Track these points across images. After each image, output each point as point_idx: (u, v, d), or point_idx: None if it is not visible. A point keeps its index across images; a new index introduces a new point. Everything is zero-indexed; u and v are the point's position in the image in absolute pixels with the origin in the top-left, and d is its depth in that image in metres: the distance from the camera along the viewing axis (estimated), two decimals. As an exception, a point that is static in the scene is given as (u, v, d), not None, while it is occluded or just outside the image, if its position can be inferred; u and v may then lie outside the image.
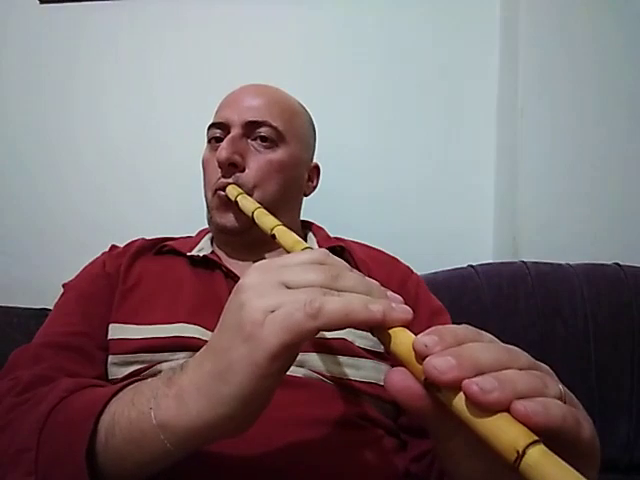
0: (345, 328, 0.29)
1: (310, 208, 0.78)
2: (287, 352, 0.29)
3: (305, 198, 0.75)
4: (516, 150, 0.95)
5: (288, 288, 0.31)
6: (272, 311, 0.29)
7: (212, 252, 0.67)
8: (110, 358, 0.57)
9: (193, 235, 0.74)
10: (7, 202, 1.12)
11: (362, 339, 0.58)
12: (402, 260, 0.73)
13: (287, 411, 0.49)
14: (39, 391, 0.44)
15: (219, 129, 0.66)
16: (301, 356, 0.54)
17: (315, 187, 0.76)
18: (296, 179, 0.69)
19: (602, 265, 0.84)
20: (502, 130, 1.01)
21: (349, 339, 0.57)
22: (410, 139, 1.04)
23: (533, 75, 0.93)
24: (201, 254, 0.65)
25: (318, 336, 0.56)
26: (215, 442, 0.34)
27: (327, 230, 0.75)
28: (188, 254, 0.65)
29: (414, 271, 0.71)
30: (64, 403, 0.40)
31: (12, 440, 0.40)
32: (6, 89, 1.13)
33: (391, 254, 0.73)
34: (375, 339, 0.59)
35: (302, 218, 0.76)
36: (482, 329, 0.30)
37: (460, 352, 0.26)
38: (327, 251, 0.34)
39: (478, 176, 1.02)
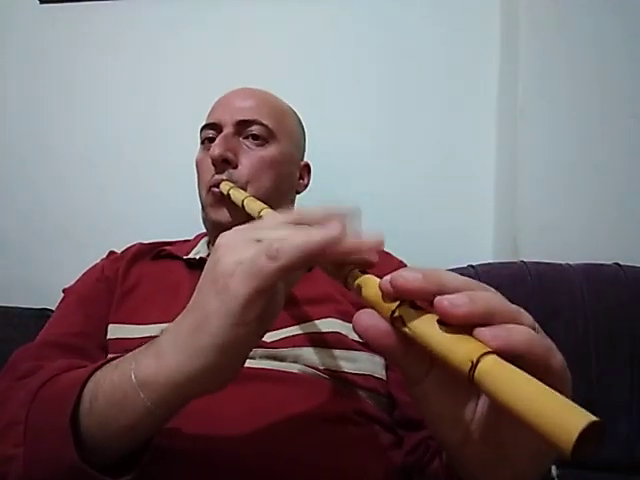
0: (311, 264, 0.30)
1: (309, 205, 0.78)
2: (259, 298, 0.30)
3: (304, 198, 0.76)
4: (516, 150, 0.95)
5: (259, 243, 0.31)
6: (242, 263, 0.30)
7: (208, 254, 0.67)
8: (109, 357, 0.57)
9: (190, 238, 0.75)
10: (7, 202, 1.12)
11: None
12: (400, 258, 0.73)
13: (283, 408, 0.50)
14: (33, 376, 0.45)
15: (212, 130, 0.69)
16: (295, 351, 0.55)
17: (307, 185, 0.77)
18: (288, 175, 0.71)
19: (602, 265, 0.83)
20: (502, 130, 1.01)
21: (343, 332, 0.58)
22: (410, 139, 1.04)
23: (533, 75, 0.93)
24: (197, 257, 0.66)
25: (310, 331, 0.57)
26: (194, 399, 0.34)
27: None
28: (185, 257, 0.67)
29: (407, 265, 0.72)
30: (54, 379, 0.41)
31: (3, 416, 0.41)
32: (6, 89, 1.13)
33: (385, 250, 0.73)
34: None
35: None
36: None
37: (426, 272, 0.27)
38: (301, 210, 0.35)
39: (478, 176, 1.02)
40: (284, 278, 0.30)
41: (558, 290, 0.81)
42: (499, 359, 0.22)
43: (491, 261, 0.92)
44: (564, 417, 0.19)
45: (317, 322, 0.58)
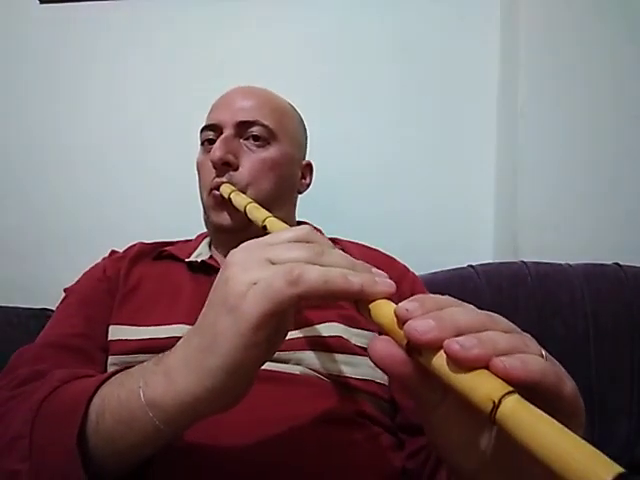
0: (327, 300, 0.30)
1: (310, 206, 0.78)
2: (271, 321, 0.29)
3: (305, 197, 0.76)
4: (516, 150, 0.95)
5: (273, 264, 0.31)
6: (255, 284, 0.30)
7: (210, 257, 0.67)
8: (110, 359, 0.57)
9: (192, 238, 0.75)
10: (7, 203, 1.12)
11: (358, 337, 0.58)
12: (400, 260, 0.73)
13: (284, 408, 0.50)
14: (34, 384, 0.45)
15: (212, 131, 0.68)
16: (298, 354, 0.55)
17: (309, 185, 0.76)
18: (289, 177, 0.70)
19: (602, 265, 0.83)
20: (502, 130, 1.01)
21: (345, 337, 0.57)
22: (410, 139, 1.04)
23: (533, 75, 0.93)
24: (199, 259, 0.66)
25: (314, 334, 0.57)
26: (203, 418, 0.34)
27: (324, 231, 0.75)
28: (186, 260, 0.66)
29: (410, 270, 0.71)
30: (57, 391, 0.41)
31: (6, 429, 0.40)
32: (7, 89, 1.13)
33: (388, 253, 0.73)
34: (371, 337, 0.59)
35: (301, 218, 0.77)
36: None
37: (440, 315, 0.26)
38: (311, 228, 0.35)
39: (478, 176, 1.02)
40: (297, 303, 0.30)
41: (558, 290, 0.81)
42: (521, 400, 0.22)
43: (491, 261, 0.92)
44: (590, 468, 0.19)
45: (320, 326, 0.58)
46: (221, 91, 0.72)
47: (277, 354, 0.54)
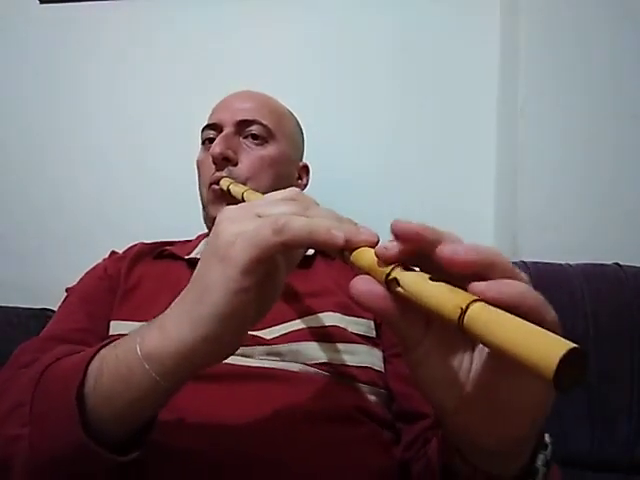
0: (311, 248, 0.31)
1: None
2: (258, 268, 0.31)
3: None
4: (516, 150, 0.95)
5: (260, 218, 0.33)
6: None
7: None
8: (113, 338, 0.57)
9: (192, 238, 0.76)
10: (7, 203, 1.12)
11: (355, 325, 0.59)
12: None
13: (284, 405, 0.50)
14: (37, 362, 0.45)
15: (212, 130, 0.70)
16: (295, 346, 0.56)
17: (305, 186, 0.79)
18: (287, 175, 0.72)
19: (602, 265, 0.83)
20: (502, 130, 1.01)
21: (342, 326, 0.58)
22: (410, 139, 1.04)
23: (533, 75, 0.93)
24: (199, 257, 0.66)
25: (310, 325, 0.57)
26: (200, 369, 0.35)
27: None
28: (186, 257, 0.67)
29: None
30: (58, 362, 0.41)
31: (6, 400, 0.41)
32: (7, 89, 1.13)
33: None
34: (367, 325, 0.61)
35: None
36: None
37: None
38: (298, 189, 0.37)
39: (478, 176, 1.02)
40: (282, 253, 0.32)
41: (558, 290, 0.81)
42: (487, 305, 0.23)
43: (491, 261, 0.92)
44: (545, 346, 0.20)
45: (316, 316, 0.59)
46: (221, 91, 0.73)
47: (274, 347, 0.55)
